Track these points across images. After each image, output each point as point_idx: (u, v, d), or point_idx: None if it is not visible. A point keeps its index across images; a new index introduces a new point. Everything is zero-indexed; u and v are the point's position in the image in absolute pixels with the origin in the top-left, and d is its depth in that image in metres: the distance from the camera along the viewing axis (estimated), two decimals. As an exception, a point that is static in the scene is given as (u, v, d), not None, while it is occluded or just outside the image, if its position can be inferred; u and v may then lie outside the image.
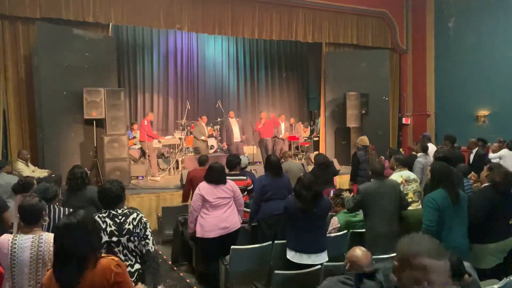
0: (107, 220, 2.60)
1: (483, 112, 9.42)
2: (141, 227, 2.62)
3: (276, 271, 3.17)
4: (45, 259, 2.43)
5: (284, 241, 3.85)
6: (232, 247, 3.65)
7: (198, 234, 3.94)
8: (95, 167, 7.32)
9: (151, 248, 2.64)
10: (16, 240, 2.46)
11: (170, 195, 6.99)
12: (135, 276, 2.57)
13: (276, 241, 3.83)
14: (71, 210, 3.24)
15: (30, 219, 2.54)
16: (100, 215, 2.62)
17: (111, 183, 2.71)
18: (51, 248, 2.42)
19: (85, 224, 1.92)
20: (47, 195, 3.17)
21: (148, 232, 2.65)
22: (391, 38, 11.17)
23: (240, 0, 9.16)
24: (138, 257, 2.62)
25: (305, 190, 3.35)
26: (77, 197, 3.91)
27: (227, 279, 3.69)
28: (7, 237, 2.50)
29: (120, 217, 2.62)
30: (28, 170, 5.91)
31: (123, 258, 2.57)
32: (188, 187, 5.47)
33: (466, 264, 2.65)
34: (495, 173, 3.57)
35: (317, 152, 10.71)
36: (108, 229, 2.57)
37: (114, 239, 2.56)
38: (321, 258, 3.39)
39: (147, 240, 2.63)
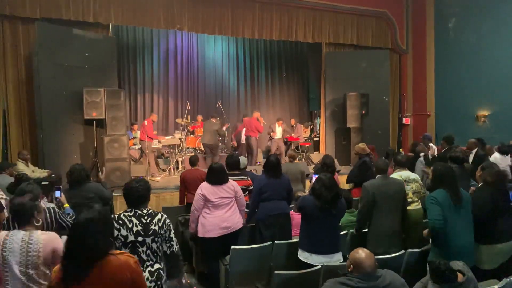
0: (133, 219, 2.61)
1: (483, 112, 9.42)
2: (166, 228, 2.66)
3: (276, 271, 3.16)
4: (35, 258, 2.38)
5: (285, 241, 3.86)
6: (232, 247, 3.64)
7: (200, 234, 3.94)
8: (95, 167, 7.32)
9: (175, 249, 2.71)
10: (7, 239, 2.41)
11: (170, 195, 6.99)
12: (155, 276, 2.59)
13: (276, 242, 3.83)
14: (56, 209, 3.24)
15: (20, 220, 2.50)
16: (126, 214, 2.63)
17: (137, 182, 2.73)
18: (41, 246, 2.40)
19: (102, 220, 1.94)
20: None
21: (172, 234, 2.70)
22: (391, 38, 11.17)
23: (240, 0, 9.16)
24: (158, 258, 2.65)
25: (326, 190, 3.32)
26: (79, 194, 3.92)
27: (227, 280, 3.68)
28: (2, 235, 2.45)
29: (146, 217, 2.63)
30: (28, 170, 5.90)
31: (145, 258, 2.59)
32: (182, 188, 5.52)
33: (459, 263, 2.65)
34: (486, 173, 3.57)
35: (317, 152, 10.74)
36: (135, 228, 2.58)
37: (140, 239, 2.57)
38: (336, 258, 3.38)
39: (172, 242, 2.70)
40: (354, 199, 4.78)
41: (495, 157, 6.20)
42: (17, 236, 2.42)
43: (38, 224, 2.58)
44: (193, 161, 5.67)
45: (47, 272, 2.42)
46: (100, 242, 1.88)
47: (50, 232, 2.57)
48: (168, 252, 2.68)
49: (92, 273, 1.84)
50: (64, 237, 3.34)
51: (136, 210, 2.65)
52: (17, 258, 2.37)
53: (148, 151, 8.49)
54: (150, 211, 2.69)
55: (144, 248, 2.58)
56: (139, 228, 2.59)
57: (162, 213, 2.74)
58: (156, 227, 2.62)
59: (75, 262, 1.84)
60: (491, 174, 3.53)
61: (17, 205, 2.54)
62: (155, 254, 2.63)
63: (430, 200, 3.28)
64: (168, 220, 2.71)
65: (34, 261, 2.38)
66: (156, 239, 2.62)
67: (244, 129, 9.89)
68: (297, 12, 9.79)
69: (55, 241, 2.47)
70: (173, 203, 6.60)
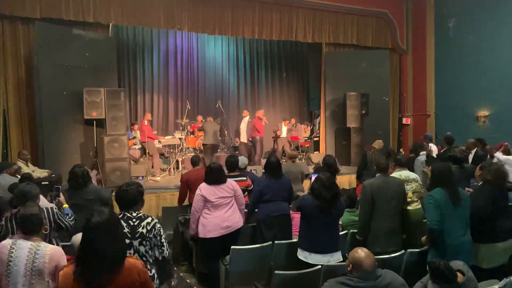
0: (121, 222, 2.57)
1: (483, 112, 9.42)
2: (155, 233, 2.64)
3: (276, 271, 3.16)
4: (40, 270, 2.38)
5: (285, 241, 3.86)
6: (232, 247, 3.64)
7: (201, 235, 3.92)
8: (95, 167, 7.32)
9: (166, 254, 2.70)
10: (14, 248, 2.40)
11: (170, 195, 6.98)
12: None
13: (276, 242, 3.82)
14: (55, 210, 3.23)
15: (29, 228, 2.49)
16: None
17: (128, 185, 2.71)
18: (47, 260, 2.39)
19: (115, 223, 1.92)
20: (28, 198, 3.03)
21: (163, 239, 2.69)
22: (391, 38, 11.17)
23: (240, 0, 9.16)
24: (148, 264, 2.61)
25: (325, 190, 3.31)
26: (78, 196, 3.92)
27: (227, 279, 3.68)
28: (8, 243, 2.44)
29: (134, 220, 2.62)
30: (28, 170, 5.89)
31: None
32: (184, 189, 5.43)
33: (459, 263, 2.65)
34: (486, 171, 3.58)
35: (317, 152, 10.73)
36: None
37: (126, 241, 2.55)
38: (336, 258, 3.38)
39: (163, 248, 2.68)
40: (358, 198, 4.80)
41: (510, 160, 6.17)
42: (24, 246, 2.41)
43: (46, 232, 2.58)
44: (195, 161, 5.62)
45: (48, 280, 2.42)
46: (116, 245, 1.86)
47: (56, 247, 2.58)
48: (160, 257, 2.66)
49: (108, 277, 1.83)
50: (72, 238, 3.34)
51: (125, 213, 2.64)
52: (22, 268, 2.37)
53: (153, 152, 8.51)
54: (140, 214, 2.67)
55: (132, 251, 2.56)
56: (126, 230, 2.57)
57: (152, 217, 2.71)
58: (144, 230, 2.60)
59: (92, 267, 1.81)
60: (491, 172, 3.53)
61: (30, 215, 2.52)
62: (144, 258, 2.60)
63: (428, 200, 3.29)
64: (158, 225, 2.68)
65: (39, 272, 2.38)
66: (144, 242, 2.60)
67: (246, 128, 9.87)
68: (297, 12, 9.79)
69: (61, 257, 2.48)
70: (173, 203, 6.60)
